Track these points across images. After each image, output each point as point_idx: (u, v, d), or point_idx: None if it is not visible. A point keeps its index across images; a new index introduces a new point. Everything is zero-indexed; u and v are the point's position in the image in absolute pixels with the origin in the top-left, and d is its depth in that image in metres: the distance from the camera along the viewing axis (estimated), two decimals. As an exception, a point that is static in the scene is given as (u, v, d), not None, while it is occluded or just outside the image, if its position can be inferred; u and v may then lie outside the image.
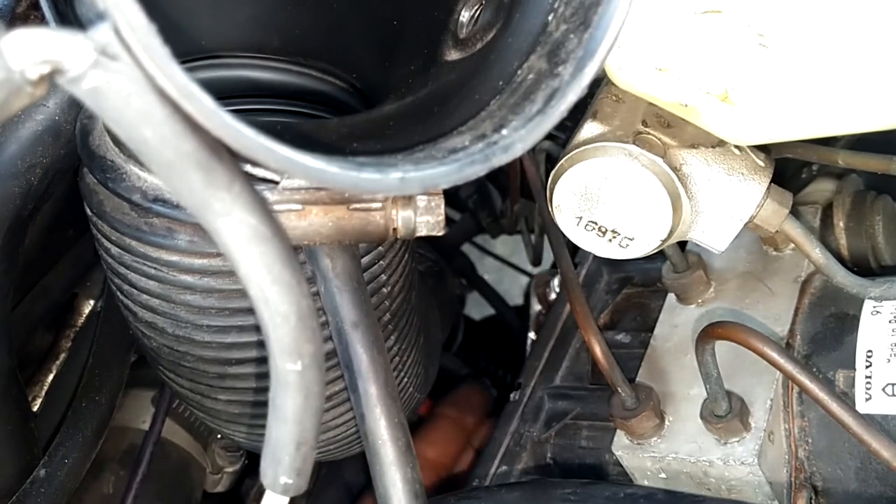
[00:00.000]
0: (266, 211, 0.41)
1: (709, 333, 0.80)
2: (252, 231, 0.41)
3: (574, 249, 1.03)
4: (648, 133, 0.75)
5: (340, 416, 0.82)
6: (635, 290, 1.11)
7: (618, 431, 0.91)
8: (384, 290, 0.76)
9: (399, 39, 0.73)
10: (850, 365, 0.83)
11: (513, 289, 2.03)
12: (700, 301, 0.98)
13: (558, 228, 0.78)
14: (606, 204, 0.75)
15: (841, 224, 0.95)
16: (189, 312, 0.70)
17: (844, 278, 0.86)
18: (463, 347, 1.62)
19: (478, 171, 0.46)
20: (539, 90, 0.50)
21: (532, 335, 1.27)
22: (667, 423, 0.89)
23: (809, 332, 0.89)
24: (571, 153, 0.76)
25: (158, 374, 0.85)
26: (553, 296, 1.25)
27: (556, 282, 1.24)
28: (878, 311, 0.84)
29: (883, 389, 0.80)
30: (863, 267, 0.94)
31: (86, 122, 0.70)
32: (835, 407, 0.76)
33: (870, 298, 0.85)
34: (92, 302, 1.02)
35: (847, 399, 0.80)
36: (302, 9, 0.73)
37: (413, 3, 0.72)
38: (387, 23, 0.73)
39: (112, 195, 0.66)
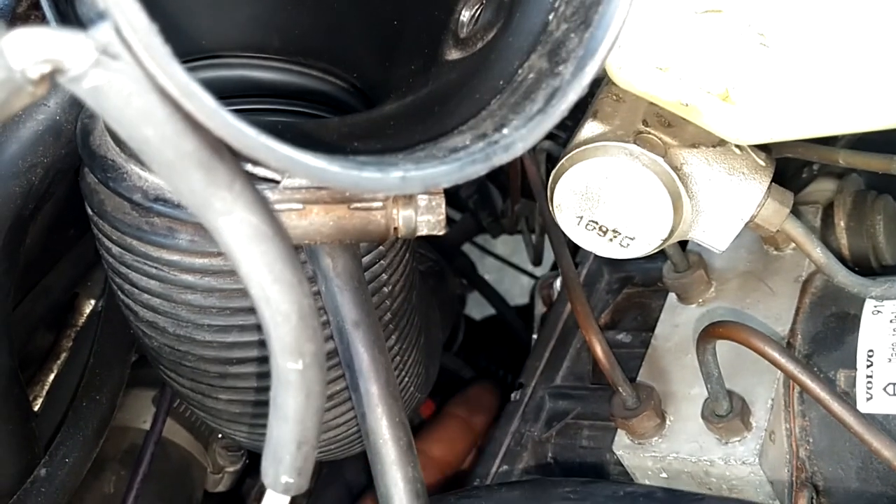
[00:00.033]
0: (267, 210, 0.41)
1: (710, 333, 0.80)
2: (253, 230, 0.41)
3: (575, 249, 1.03)
4: (649, 132, 0.75)
5: (341, 415, 0.82)
6: (636, 290, 1.11)
7: (619, 431, 0.91)
8: (385, 289, 0.76)
9: (399, 39, 0.73)
10: (851, 364, 0.83)
11: (513, 289, 2.03)
12: (701, 301, 0.98)
13: (559, 228, 0.78)
14: (607, 203, 0.75)
15: (842, 223, 0.95)
16: (190, 312, 0.70)
17: (845, 278, 0.86)
18: (463, 347, 1.62)
19: (479, 170, 0.46)
20: (540, 89, 0.50)
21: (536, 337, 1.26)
22: (668, 422, 0.89)
23: (810, 332, 0.89)
24: (572, 153, 0.76)
25: (159, 374, 0.85)
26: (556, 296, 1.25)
27: (557, 282, 1.23)
28: (879, 311, 0.84)
29: (884, 389, 0.80)
30: (864, 266, 0.94)
31: (87, 121, 0.70)
32: (836, 406, 0.76)
33: (871, 298, 0.85)
34: (93, 301, 1.02)
35: (848, 399, 0.80)
36: (302, 9, 0.74)
37: (413, 2, 0.72)
38: (387, 22, 0.73)
39: (113, 195, 0.66)
